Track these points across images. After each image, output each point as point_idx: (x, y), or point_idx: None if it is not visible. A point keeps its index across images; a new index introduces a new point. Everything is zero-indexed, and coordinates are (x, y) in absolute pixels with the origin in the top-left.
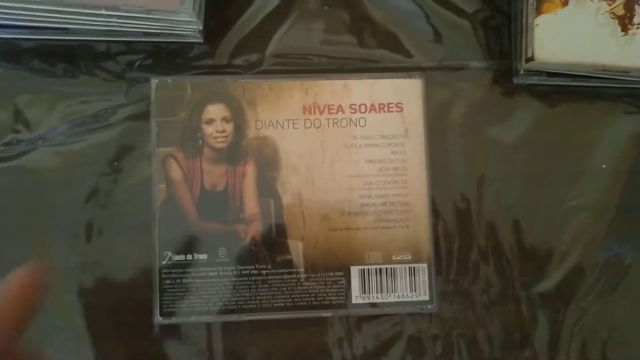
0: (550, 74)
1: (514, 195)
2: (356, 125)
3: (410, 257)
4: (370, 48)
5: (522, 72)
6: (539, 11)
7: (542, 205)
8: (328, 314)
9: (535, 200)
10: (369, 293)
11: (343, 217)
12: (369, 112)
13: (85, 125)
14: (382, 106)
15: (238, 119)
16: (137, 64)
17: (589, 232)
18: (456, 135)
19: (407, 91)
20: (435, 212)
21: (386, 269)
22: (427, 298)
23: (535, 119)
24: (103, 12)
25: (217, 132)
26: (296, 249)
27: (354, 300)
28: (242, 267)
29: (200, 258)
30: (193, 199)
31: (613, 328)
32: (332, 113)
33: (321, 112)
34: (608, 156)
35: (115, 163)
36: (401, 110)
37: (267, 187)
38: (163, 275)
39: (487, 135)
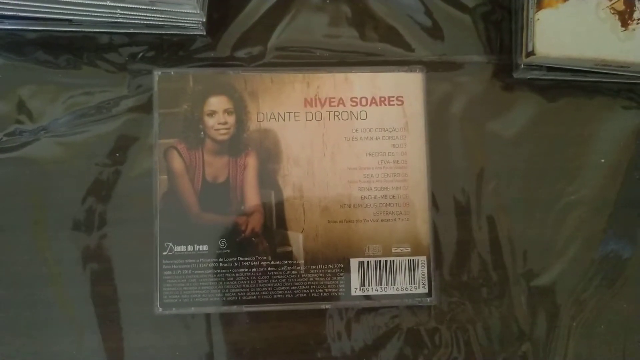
0: (550, 69)
1: (513, 189)
2: (357, 118)
3: (409, 250)
4: (372, 42)
5: (522, 66)
6: (539, 6)
7: (541, 199)
8: (327, 306)
9: (534, 194)
10: (368, 285)
11: (343, 210)
12: (370, 105)
13: (88, 117)
14: (382, 99)
15: (240, 111)
16: (139, 55)
17: (587, 226)
18: (456, 129)
19: (408, 85)
20: (435, 205)
21: (385, 261)
22: (426, 291)
23: (535, 113)
24: (107, 3)
25: (219, 124)
26: (296, 240)
27: (353, 293)
28: (243, 259)
29: (201, 249)
30: (195, 190)
31: (611, 322)
32: (333, 106)
33: (322, 105)
34: (607, 151)
35: (117, 154)
36: (402, 104)
37: (268, 179)
38: (164, 266)
39: (487, 129)
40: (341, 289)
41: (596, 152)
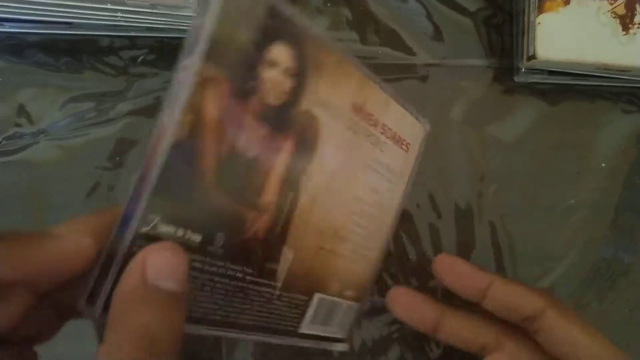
0: (551, 73)
1: (514, 193)
2: (379, 148)
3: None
4: (373, 45)
5: (523, 70)
6: (540, 10)
7: (542, 203)
8: (277, 341)
9: (535, 199)
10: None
11: (334, 238)
12: (392, 140)
13: (88, 120)
14: (399, 139)
15: (300, 79)
16: (140, 59)
17: (588, 230)
18: (457, 132)
19: (413, 132)
20: (435, 209)
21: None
22: None
23: (536, 117)
24: (108, 6)
25: (275, 82)
26: (286, 259)
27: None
28: (231, 267)
29: (191, 238)
30: (219, 154)
31: (612, 327)
32: (371, 125)
33: (363, 118)
34: (607, 155)
35: (117, 157)
36: (407, 151)
37: (293, 177)
38: (133, 250)
39: (488, 132)
40: (295, 324)
41: (597, 156)
